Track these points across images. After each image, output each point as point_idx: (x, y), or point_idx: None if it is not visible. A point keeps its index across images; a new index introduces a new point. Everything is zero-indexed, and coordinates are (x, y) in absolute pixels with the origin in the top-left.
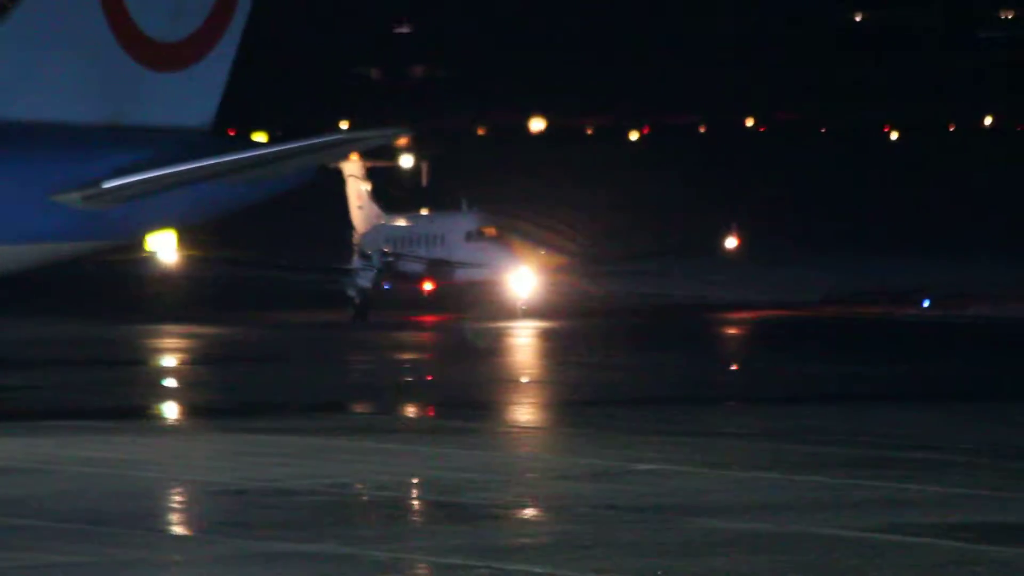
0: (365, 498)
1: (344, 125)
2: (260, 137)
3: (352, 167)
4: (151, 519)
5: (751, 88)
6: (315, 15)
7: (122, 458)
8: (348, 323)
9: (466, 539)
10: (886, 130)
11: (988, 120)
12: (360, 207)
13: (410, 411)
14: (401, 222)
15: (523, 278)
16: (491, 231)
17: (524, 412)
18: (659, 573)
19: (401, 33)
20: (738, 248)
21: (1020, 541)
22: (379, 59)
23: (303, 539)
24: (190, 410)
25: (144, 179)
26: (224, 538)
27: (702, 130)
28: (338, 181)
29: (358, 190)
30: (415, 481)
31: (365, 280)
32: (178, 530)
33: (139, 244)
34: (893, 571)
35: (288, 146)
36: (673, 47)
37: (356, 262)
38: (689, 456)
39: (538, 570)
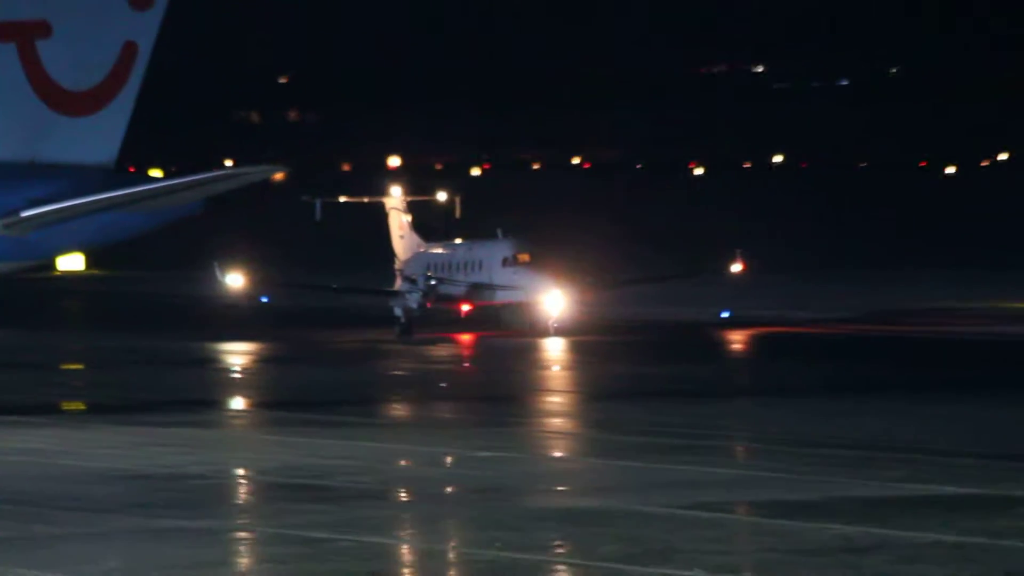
0: (247, 481)
1: (228, 163)
2: (156, 173)
3: (394, 201)
4: (66, 500)
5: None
6: (203, 66)
7: (45, 448)
8: (395, 339)
9: (332, 516)
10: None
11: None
12: (402, 236)
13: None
14: (439, 250)
15: (555, 300)
16: (525, 257)
17: (399, 408)
18: (497, 544)
19: (280, 82)
20: (743, 272)
21: (806, 516)
22: (259, 104)
23: (190, 517)
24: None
25: (56, 209)
26: (124, 516)
27: (536, 167)
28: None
29: (400, 221)
30: (291, 467)
31: (411, 301)
32: (85, 510)
33: (52, 264)
34: (696, 543)
35: (180, 180)
36: (521, 85)
37: (402, 285)
38: (521, 444)
39: (391, 542)
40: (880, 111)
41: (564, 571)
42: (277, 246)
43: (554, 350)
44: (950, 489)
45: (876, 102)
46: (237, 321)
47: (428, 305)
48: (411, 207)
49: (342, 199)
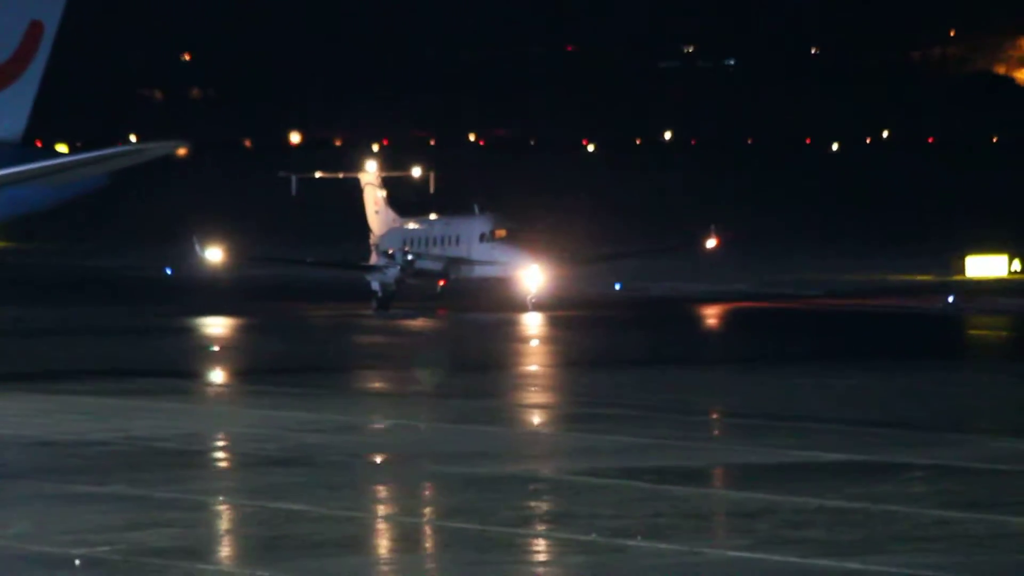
0: (150, 449)
1: (132, 138)
2: (62, 148)
3: (369, 176)
4: None
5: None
6: (109, 45)
7: None
8: (372, 313)
9: (236, 482)
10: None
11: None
12: (377, 212)
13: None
14: (413, 225)
15: (532, 275)
16: (502, 232)
17: (316, 378)
18: (395, 509)
19: (182, 60)
20: (717, 248)
21: (695, 482)
22: (162, 82)
23: (96, 482)
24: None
25: None
26: (32, 482)
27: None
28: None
29: (375, 196)
30: (195, 434)
31: (389, 276)
32: None
33: None
34: (591, 507)
35: (86, 156)
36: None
37: (380, 260)
38: (419, 413)
39: (296, 507)
40: (766, 90)
41: (465, 535)
42: (254, 221)
43: (530, 325)
44: (835, 456)
45: (762, 81)
46: (211, 295)
47: (405, 280)
48: (386, 182)
49: (318, 175)
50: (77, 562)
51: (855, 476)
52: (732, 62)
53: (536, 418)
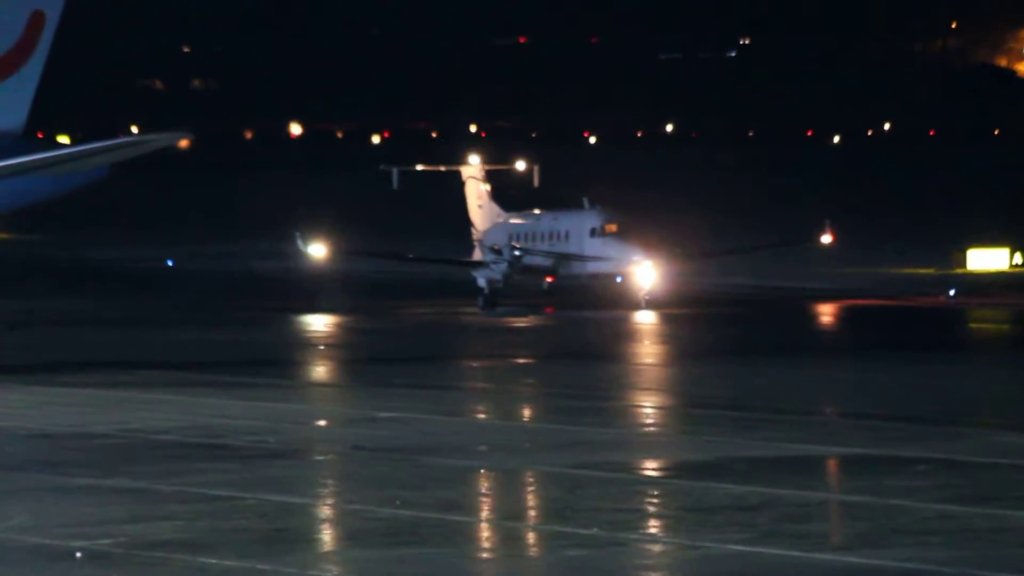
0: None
1: (134, 129)
2: (64, 139)
3: (472, 170)
4: None
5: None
6: (110, 35)
7: None
8: (478, 310)
9: (237, 475)
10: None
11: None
12: (480, 206)
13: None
14: (518, 220)
15: (645, 271)
16: (613, 228)
17: (311, 370)
18: (397, 503)
19: (183, 51)
20: (833, 243)
21: (699, 475)
22: (163, 73)
23: (98, 475)
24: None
25: None
26: (31, 474)
27: (433, 135)
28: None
29: (478, 190)
30: (196, 427)
31: (496, 272)
32: None
33: None
34: (592, 501)
35: (88, 147)
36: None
37: (487, 256)
38: (423, 405)
39: (297, 500)
40: (767, 82)
41: (463, 528)
42: (353, 214)
43: (643, 322)
44: (838, 449)
45: (763, 73)
46: (309, 291)
47: (513, 276)
48: (490, 176)
49: (419, 168)
50: (78, 555)
51: (858, 470)
52: (733, 54)
53: (522, 411)
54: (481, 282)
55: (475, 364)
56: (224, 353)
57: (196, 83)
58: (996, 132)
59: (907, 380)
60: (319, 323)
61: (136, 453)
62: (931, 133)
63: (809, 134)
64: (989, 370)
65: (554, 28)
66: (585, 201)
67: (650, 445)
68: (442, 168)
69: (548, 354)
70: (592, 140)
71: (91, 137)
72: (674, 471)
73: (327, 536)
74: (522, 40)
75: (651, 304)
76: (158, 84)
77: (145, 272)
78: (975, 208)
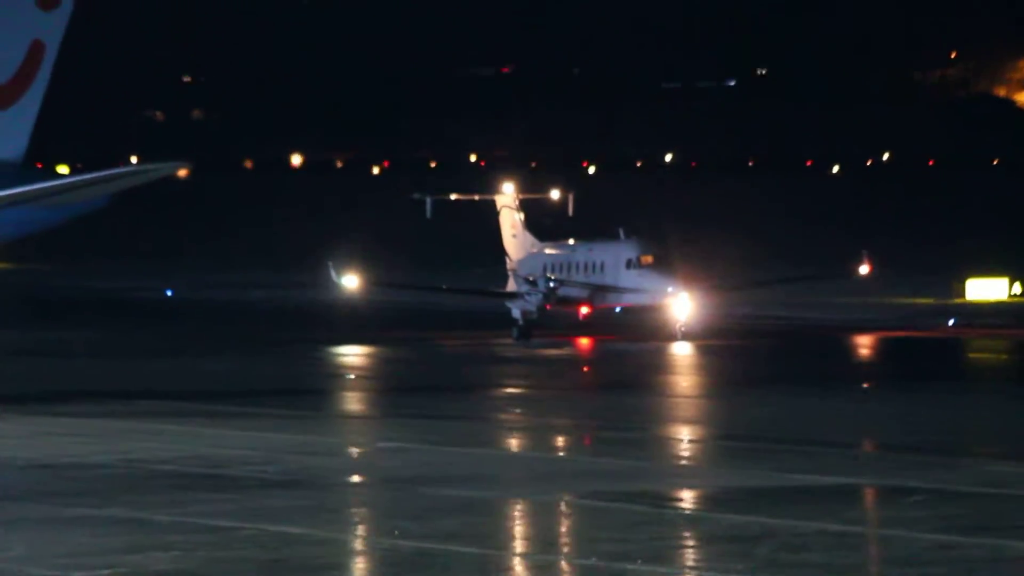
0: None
1: (134, 159)
2: (63, 169)
3: (506, 199)
4: None
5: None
6: (110, 66)
7: None
8: (513, 342)
9: (235, 504)
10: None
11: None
12: (514, 235)
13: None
14: (555, 250)
15: (681, 303)
16: (649, 259)
17: (310, 400)
18: (396, 532)
19: (183, 82)
20: (870, 274)
21: (697, 505)
22: (163, 104)
23: (97, 505)
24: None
25: None
26: (30, 504)
27: (433, 165)
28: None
29: (512, 219)
30: (195, 457)
31: (530, 304)
32: None
33: None
34: (594, 531)
35: (88, 177)
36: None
37: (521, 286)
38: (423, 435)
39: (293, 530)
40: (766, 110)
41: (465, 559)
42: (385, 244)
43: (680, 354)
44: (835, 479)
45: (762, 103)
46: (342, 322)
47: (548, 307)
48: (524, 205)
49: (453, 196)
50: None
51: (855, 500)
52: (732, 83)
53: (527, 441)
54: (515, 313)
55: (494, 394)
56: (230, 383)
57: (196, 113)
58: (995, 162)
59: (905, 410)
60: (351, 353)
61: (135, 483)
62: (931, 163)
63: (809, 164)
64: (986, 399)
65: (538, 58)
66: (620, 231)
67: (656, 475)
68: (476, 197)
69: (576, 385)
70: (591, 170)
71: (91, 167)
72: (675, 501)
73: (326, 566)
74: (504, 71)
75: (687, 336)
76: (158, 115)
77: (144, 302)
78: (975, 238)
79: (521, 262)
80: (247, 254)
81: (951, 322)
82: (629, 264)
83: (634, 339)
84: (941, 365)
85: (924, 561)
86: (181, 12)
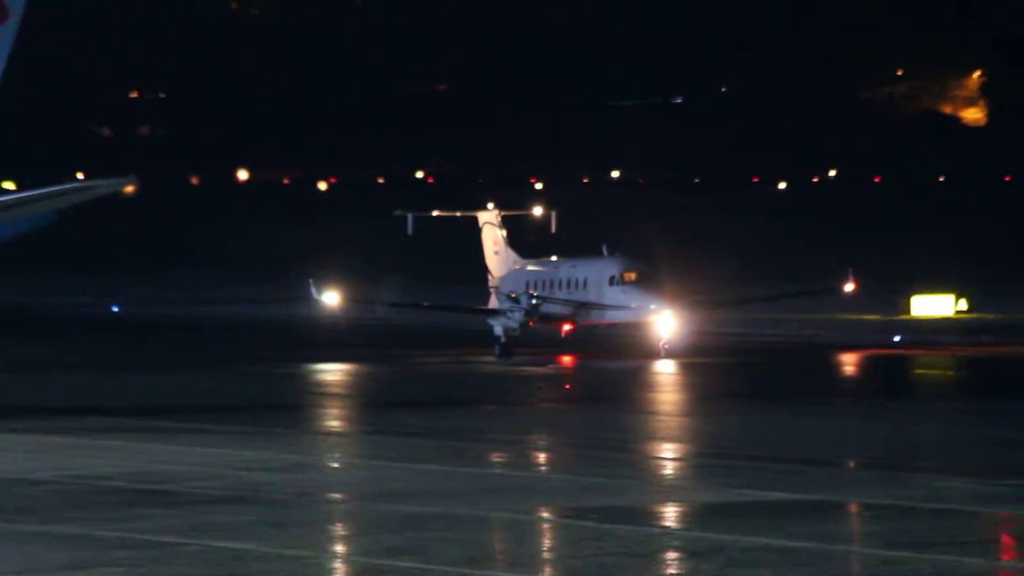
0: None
1: (80, 175)
2: (9, 185)
3: (488, 215)
4: None
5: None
6: (57, 82)
7: None
8: (495, 359)
9: (180, 520)
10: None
11: None
12: (496, 252)
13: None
14: (535, 266)
15: (665, 320)
16: (632, 276)
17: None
18: (341, 548)
19: (130, 98)
20: (855, 292)
21: (641, 521)
22: (110, 119)
23: (42, 521)
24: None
25: None
26: None
27: (381, 181)
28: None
29: (494, 236)
30: (141, 473)
31: (512, 320)
32: None
33: None
34: (534, 546)
35: (35, 192)
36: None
37: (503, 303)
38: (375, 452)
39: (239, 546)
40: (714, 128)
41: (409, 574)
42: (368, 260)
43: (664, 372)
44: (781, 495)
45: (708, 120)
46: (321, 339)
47: (531, 324)
48: (506, 222)
49: (435, 213)
50: None
51: (801, 516)
52: (679, 100)
53: (475, 458)
54: (497, 330)
55: (462, 411)
56: (175, 398)
57: (143, 130)
58: (941, 179)
59: (848, 424)
60: (328, 371)
61: (80, 499)
62: (877, 179)
63: (755, 181)
64: (933, 415)
65: (484, 74)
66: (604, 248)
67: (605, 491)
68: (458, 214)
69: (551, 402)
70: (539, 186)
71: (38, 183)
72: (619, 516)
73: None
74: (440, 88)
75: (670, 353)
76: (105, 131)
77: (91, 317)
78: (920, 254)
79: (503, 279)
80: (195, 270)
81: (897, 339)
82: (612, 281)
83: (616, 357)
84: (886, 381)
85: None
86: (127, 27)
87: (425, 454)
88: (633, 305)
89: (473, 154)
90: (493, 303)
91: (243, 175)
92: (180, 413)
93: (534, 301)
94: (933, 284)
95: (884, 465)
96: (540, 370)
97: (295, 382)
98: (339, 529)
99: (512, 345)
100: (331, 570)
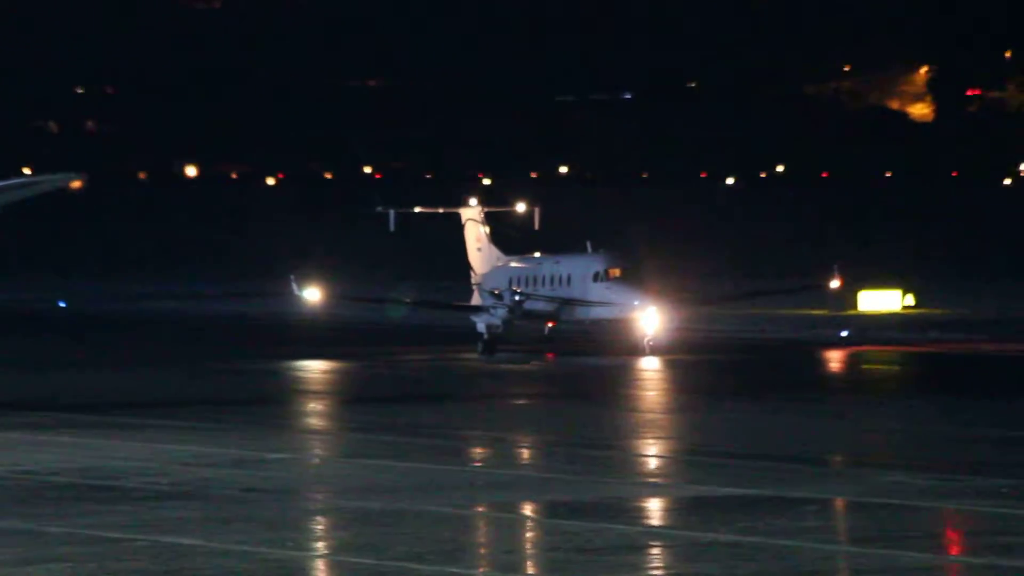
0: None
1: (27, 171)
2: None
3: (471, 212)
4: None
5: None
6: (1, 77)
7: None
8: (478, 356)
9: (128, 516)
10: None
11: None
12: (479, 249)
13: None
14: (518, 263)
15: (649, 317)
16: (616, 272)
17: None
18: (288, 543)
19: (77, 93)
20: (841, 288)
21: (588, 516)
22: (57, 114)
23: None
24: None
25: None
26: None
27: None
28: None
29: (477, 233)
30: (88, 468)
31: (496, 317)
32: None
33: None
34: (487, 540)
35: None
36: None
37: (486, 300)
38: (329, 447)
39: (187, 542)
40: (661, 123)
41: (354, 569)
42: (351, 257)
43: (647, 369)
44: (729, 490)
45: (657, 116)
46: (303, 336)
47: (514, 322)
48: (489, 218)
49: (417, 209)
50: None
51: (749, 511)
52: (628, 96)
53: (438, 453)
54: (480, 327)
55: (428, 407)
56: (124, 394)
57: (90, 125)
58: (888, 174)
59: (797, 421)
60: (304, 368)
61: (27, 495)
62: (824, 175)
63: (703, 176)
64: (878, 410)
65: (432, 69)
66: (588, 244)
67: (550, 485)
68: (440, 210)
69: (528, 398)
70: (486, 182)
71: None
72: (568, 511)
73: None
74: (370, 83)
75: (655, 350)
76: (52, 126)
77: (37, 314)
78: (867, 250)
79: (486, 276)
80: (144, 266)
81: (843, 334)
82: (596, 277)
83: (600, 353)
84: (833, 376)
85: (815, 571)
86: (74, 22)
87: (382, 450)
88: (617, 301)
89: (452, 150)
90: (476, 300)
91: (191, 171)
92: (126, 408)
93: (517, 298)
94: (881, 280)
95: (827, 460)
96: (522, 367)
97: (258, 378)
98: (287, 525)
99: (495, 342)
100: (278, 566)
